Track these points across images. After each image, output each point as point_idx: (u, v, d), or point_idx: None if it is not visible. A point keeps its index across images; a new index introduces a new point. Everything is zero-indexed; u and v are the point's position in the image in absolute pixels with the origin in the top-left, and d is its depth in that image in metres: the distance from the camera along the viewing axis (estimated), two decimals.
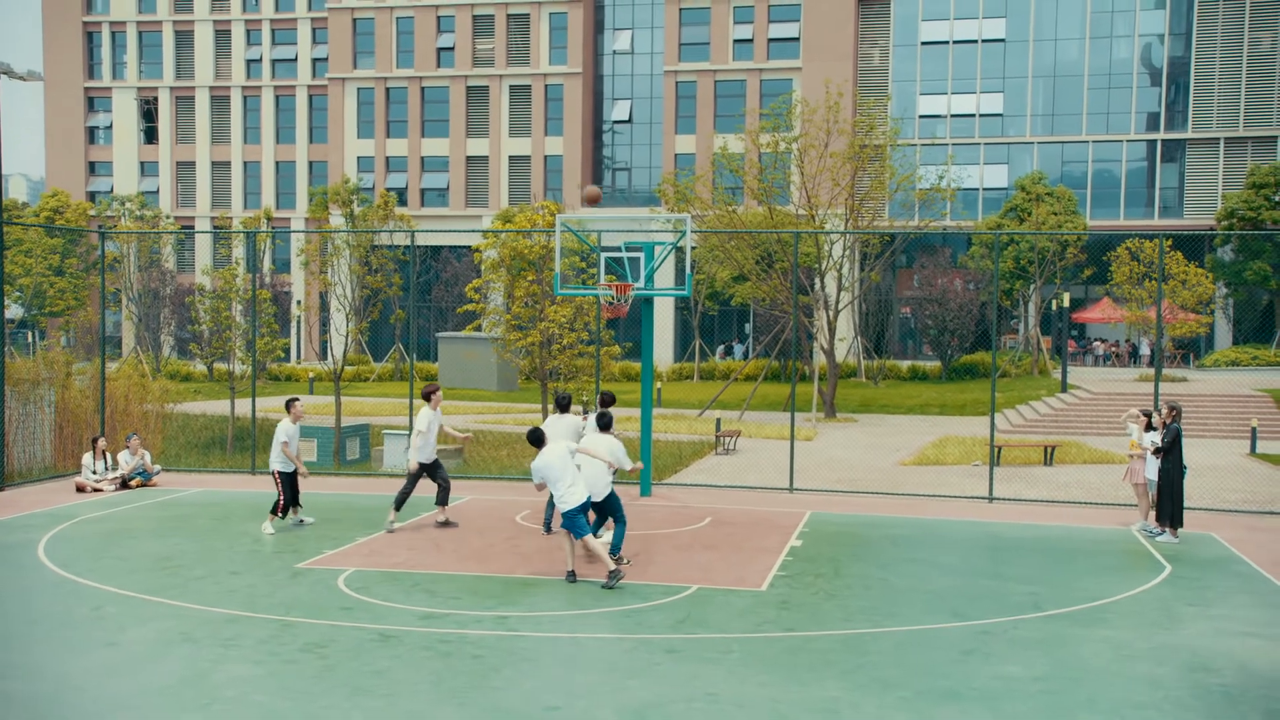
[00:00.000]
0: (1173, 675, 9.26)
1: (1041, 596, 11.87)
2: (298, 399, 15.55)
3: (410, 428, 21.37)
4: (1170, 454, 14.93)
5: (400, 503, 15.08)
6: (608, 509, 12.73)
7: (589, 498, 12.16)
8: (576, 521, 11.96)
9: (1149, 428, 15.58)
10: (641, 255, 17.09)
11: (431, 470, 15.07)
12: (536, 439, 12.45)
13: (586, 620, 10.71)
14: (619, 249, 17.36)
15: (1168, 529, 15.04)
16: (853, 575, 12.92)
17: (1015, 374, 43.48)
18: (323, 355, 50.93)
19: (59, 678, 8.85)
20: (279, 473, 14.91)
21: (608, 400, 15.02)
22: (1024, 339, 50.13)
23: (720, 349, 55.82)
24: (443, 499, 15.27)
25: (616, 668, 9.24)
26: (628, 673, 9.10)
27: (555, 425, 14.12)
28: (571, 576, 12.13)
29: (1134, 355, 50.89)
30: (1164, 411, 15.20)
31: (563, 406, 14.64)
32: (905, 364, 47.65)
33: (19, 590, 11.70)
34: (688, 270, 16.71)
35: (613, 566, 11.94)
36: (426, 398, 15.26)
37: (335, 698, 8.43)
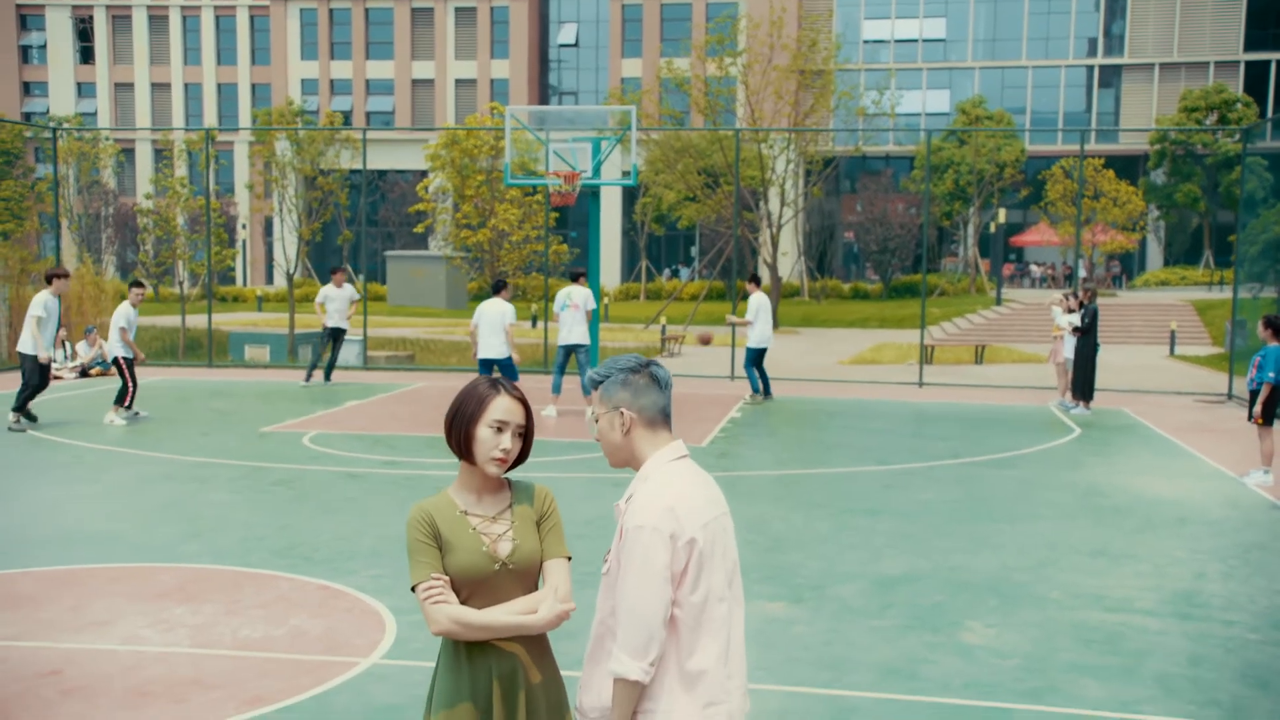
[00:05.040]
0: (1069, 499, 10.27)
1: (960, 449, 12.87)
2: (142, 282, 14.65)
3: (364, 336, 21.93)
4: (1088, 333, 15.96)
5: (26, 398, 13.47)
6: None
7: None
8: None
9: (1070, 311, 16.61)
10: (589, 149, 17.69)
11: (44, 369, 13.44)
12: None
13: (541, 465, 11.51)
14: (568, 148, 17.98)
15: (1081, 402, 16.12)
16: (787, 436, 13.87)
17: (953, 293, 44.70)
18: (269, 277, 50.81)
19: (48, 503, 9.48)
20: (122, 360, 13.93)
21: (577, 274, 15.99)
22: (963, 260, 51.37)
23: (667, 272, 56.50)
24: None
25: (570, 494, 10.06)
26: (579, 496, 9.93)
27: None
28: None
29: (1070, 279, 52.38)
30: (1081, 294, 16.24)
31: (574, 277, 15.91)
32: (847, 285, 48.73)
33: None
34: (633, 161, 17.36)
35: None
36: (49, 280, 13.55)
37: (308, 515, 9.17)
